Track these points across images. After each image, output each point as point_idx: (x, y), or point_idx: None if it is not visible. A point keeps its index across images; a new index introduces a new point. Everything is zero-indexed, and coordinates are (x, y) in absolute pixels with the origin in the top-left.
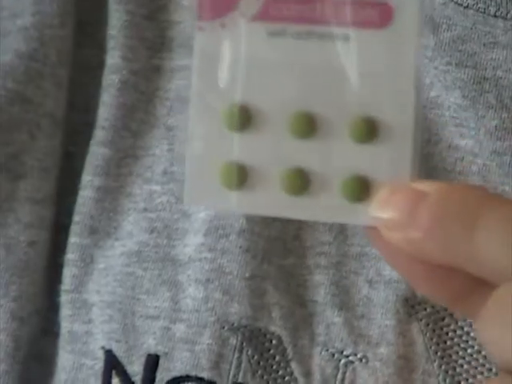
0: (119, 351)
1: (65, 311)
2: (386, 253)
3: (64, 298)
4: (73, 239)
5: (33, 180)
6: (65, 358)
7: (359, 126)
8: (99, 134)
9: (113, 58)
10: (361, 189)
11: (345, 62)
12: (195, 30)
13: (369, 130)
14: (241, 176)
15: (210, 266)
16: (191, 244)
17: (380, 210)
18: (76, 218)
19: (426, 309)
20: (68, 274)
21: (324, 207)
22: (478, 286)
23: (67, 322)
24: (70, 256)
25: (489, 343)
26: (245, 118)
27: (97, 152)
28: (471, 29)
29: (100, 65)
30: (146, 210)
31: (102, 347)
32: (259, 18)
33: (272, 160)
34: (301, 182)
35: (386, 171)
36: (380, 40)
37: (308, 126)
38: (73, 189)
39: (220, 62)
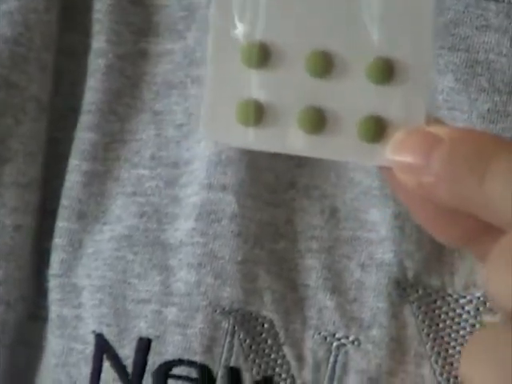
0: (110, 335)
1: (54, 296)
2: (400, 193)
3: (53, 283)
4: (60, 223)
5: (18, 164)
6: (54, 343)
7: (376, 66)
8: (85, 119)
9: (98, 42)
10: (376, 129)
11: (364, 2)
12: None
13: (385, 71)
14: (258, 113)
15: (201, 250)
16: (182, 229)
17: (395, 153)
18: (64, 202)
19: (417, 291)
20: (56, 258)
21: (340, 146)
22: (489, 229)
23: (56, 307)
24: (58, 241)
25: (495, 289)
26: (263, 56)
27: (83, 137)
28: (463, 12)
29: (86, 50)
30: (134, 194)
31: (93, 331)
32: None
33: (289, 98)
34: (317, 120)
35: (401, 112)
36: None
37: (325, 64)
38: (59, 174)
39: None
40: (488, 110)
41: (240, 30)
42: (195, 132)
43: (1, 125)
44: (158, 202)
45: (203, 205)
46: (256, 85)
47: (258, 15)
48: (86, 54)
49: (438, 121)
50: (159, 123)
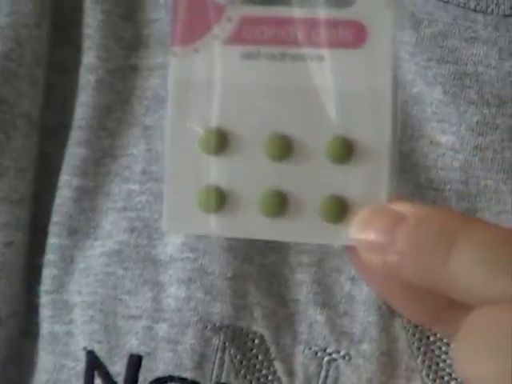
0: (101, 352)
1: (45, 312)
2: (364, 272)
3: (44, 299)
4: (52, 240)
5: (9, 180)
6: (46, 359)
7: (335, 146)
8: (76, 134)
9: (88, 57)
10: (338, 209)
11: (320, 82)
12: (169, 56)
13: (345, 151)
14: (218, 199)
15: (191, 265)
16: (172, 243)
17: (358, 232)
18: (54, 218)
19: None
20: (48, 274)
21: (302, 228)
22: (456, 306)
23: (47, 323)
24: (50, 257)
25: (465, 371)
26: (221, 142)
27: (74, 152)
28: (452, 24)
29: (76, 65)
30: (125, 209)
31: (84, 348)
32: (232, 41)
33: (249, 183)
34: (279, 203)
35: (363, 192)
36: (355, 59)
37: (284, 148)
38: (50, 189)
39: (195, 86)
40: (477, 122)
41: (197, 117)
42: None
43: None
44: (148, 216)
45: None
46: (216, 171)
47: (214, 102)
48: (77, 70)
49: (401, 198)
50: (149, 138)
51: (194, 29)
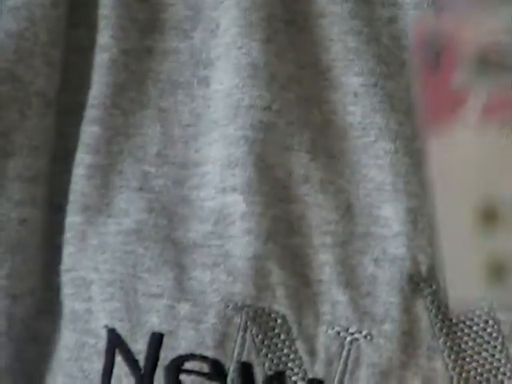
0: (122, 330)
1: (66, 290)
2: None
3: (65, 278)
4: (68, 218)
5: (23, 158)
6: (67, 337)
7: None
8: (89, 113)
9: (103, 37)
10: None
11: None
12: (427, 137)
13: None
14: (497, 270)
15: (217, 251)
16: (195, 230)
17: None
18: (70, 196)
19: (431, 286)
20: (66, 253)
21: None
22: None
23: (69, 301)
24: (67, 235)
25: None
26: (492, 216)
27: (87, 130)
28: None
29: (93, 46)
30: (141, 189)
31: (105, 326)
32: (484, 119)
33: None
34: None
35: None
36: None
37: None
38: (67, 169)
39: (456, 164)
40: None
41: (464, 195)
42: (204, 134)
43: (5, 119)
44: (167, 200)
45: (221, 209)
46: (491, 244)
47: (477, 179)
48: (93, 50)
49: None
50: (165, 121)
51: (445, 110)
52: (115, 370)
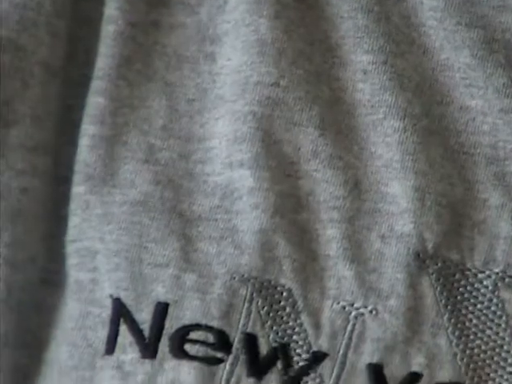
0: (127, 299)
1: (71, 261)
2: None
3: (69, 249)
4: (73, 189)
5: (25, 127)
6: (71, 307)
7: None
8: (95, 84)
9: (110, 9)
10: None
11: None
12: None
13: None
14: None
15: (224, 225)
16: (201, 204)
17: None
18: (75, 167)
19: (437, 263)
20: (71, 223)
21: None
22: None
23: (73, 271)
24: (71, 206)
25: None
26: None
27: (92, 101)
28: None
29: (100, 18)
30: (147, 161)
31: (110, 295)
32: None
33: None
34: None
35: None
36: None
37: None
38: (72, 141)
39: None
40: (503, 84)
41: None
42: (209, 109)
43: (8, 88)
44: (173, 173)
45: (228, 184)
46: None
47: None
48: (100, 23)
49: None
50: (170, 94)
51: None
52: (119, 339)
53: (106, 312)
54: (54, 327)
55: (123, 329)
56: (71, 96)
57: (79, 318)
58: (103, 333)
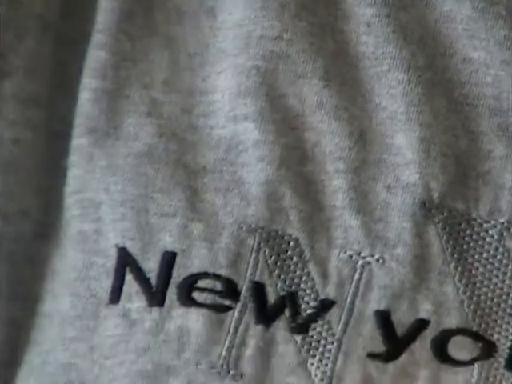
0: (133, 249)
1: (73, 212)
2: None
3: (71, 200)
4: (73, 141)
5: (18, 79)
6: (74, 257)
7: None
8: (96, 38)
9: None
10: None
11: None
12: None
13: None
14: None
15: (230, 177)
16: (205, 157)
17: None
18: (76, 120)
19: (443, 213)
20: (71, 175)
21: None
22: None
23: (76, 222)
24: (72, 158)
25: None
26: None
27: (93, 55)
28: None
29: None
30: (150, 114)
31: (116, 245)
32: None
33: None
34: None
35: None
36: None
37: None
38: (70, 96)
39: None
40: (504, 36)
41: None
42: (211, 63)
43: (2, 40)
44: (176, 126)
45: (232, 137)
46: None
47: None
48: None
49: None
50: (172, 49)
51: None
52: (125, 288)
53: (111, 262)
54: (49, 280)
55: (129, 278)
56: (67, 51)
57: (82, 269)
58: (107, 282)
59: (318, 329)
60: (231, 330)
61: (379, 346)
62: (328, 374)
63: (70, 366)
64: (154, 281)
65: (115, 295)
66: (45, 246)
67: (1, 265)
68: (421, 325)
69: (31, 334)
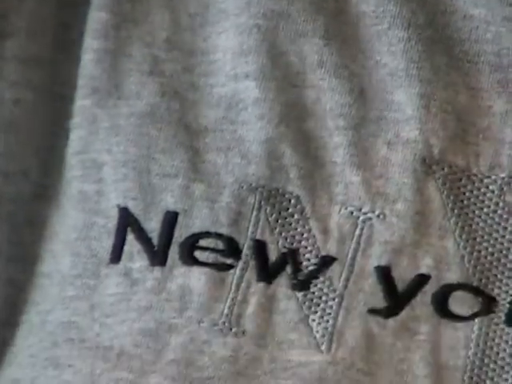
0: (135, 209)
1: (74, 172)
2: None
3: (73, 161)
4: (77, 103)
5: (19, 40)
6: (75, 217)
7: None
8: (96, 0)
9: None
10: None
11: None
12: None
13: None
14: None
15: (230, 136)
16: (206, 116)
17: None
18: (79, 82)
19: (443, 169)
20: (74, 136)
21: None
22: None
23: (77, 182)
24: (75, 119)
25: None
26: None
27: (95, 16)
28: None
29: None
30: (152, 73)
31: (117, 205)
32: None
33: None
34: None
35: None
36: None
37: None
38: (70, 59)
39: None
40: None
41: None
42: (212, 23)
43: (3, 1)
44: (178, 85)
45: (233, 96)
46: None
47: None
48: None
49: None
50: (173, 9)
51: None
52: (126, 248)
53: (112, 222)
54: (49, 241)
55: (130, 238)
56: (69, 13)
57: (83, 229)
58: (108, 242)
59: (319, 285)
60: (233, 288)
61: (380, 302)
62: (329, 329)
63: (70, 324)
64: (155, 240)
65: (116, 255)
66: (44, 207)
67: (0, 225)
68: (421, 280)
69: (31, 294)
